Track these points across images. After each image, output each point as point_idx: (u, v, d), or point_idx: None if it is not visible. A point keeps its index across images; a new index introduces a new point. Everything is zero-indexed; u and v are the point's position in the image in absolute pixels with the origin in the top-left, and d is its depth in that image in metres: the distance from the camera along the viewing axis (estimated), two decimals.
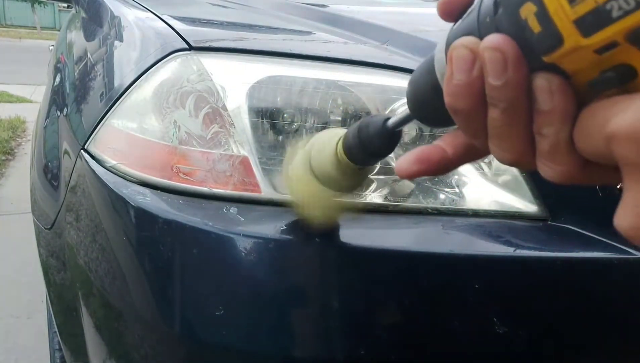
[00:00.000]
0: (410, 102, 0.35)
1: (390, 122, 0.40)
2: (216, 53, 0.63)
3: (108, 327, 0.63)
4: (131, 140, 0.63)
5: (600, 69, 0.22)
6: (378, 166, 0.51)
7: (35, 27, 18.36)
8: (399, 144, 0.62)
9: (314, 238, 0.53)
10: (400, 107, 0.61)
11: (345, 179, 0.46)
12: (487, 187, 0.62)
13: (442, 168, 0.34)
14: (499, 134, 0.27)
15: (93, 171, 0.63)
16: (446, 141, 0.34)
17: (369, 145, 0.41)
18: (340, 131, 0.46)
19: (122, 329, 0.60)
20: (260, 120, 0.60)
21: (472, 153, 0.33)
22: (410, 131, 0.62)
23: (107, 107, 0.66)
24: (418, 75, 0.34)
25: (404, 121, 0.38)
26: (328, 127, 0.62)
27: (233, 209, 0.56)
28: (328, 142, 0.46)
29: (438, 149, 0.34)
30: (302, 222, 0.54)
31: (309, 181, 0.48)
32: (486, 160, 0.63)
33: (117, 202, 0.59)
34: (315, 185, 0.48)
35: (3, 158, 2.94)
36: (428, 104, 0.33)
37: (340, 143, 0.45)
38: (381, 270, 0.52)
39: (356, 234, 0.55)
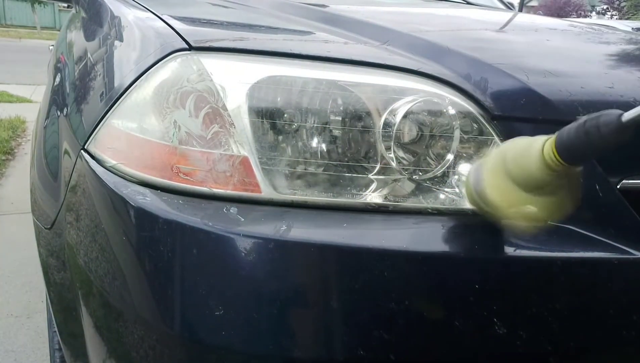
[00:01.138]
0: None
1: (626, 117, 0.40)
2: (216, 53, 0.63)
3: (108, 327, 0.63)
4: (131, 140, 0.63)
5: None
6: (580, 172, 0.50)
7: (35, 27, 18.36)
8: (399, 144, 0.62)
9: (313, 238, 0.53)
10: (402, 107, 0.60)
11: (550, 183, 0.47)
12: None
13: None
14: None
15: (93, 171, 0.63)
16: None
17: (600, 143, 0.42)
18: (537, 138, 0.46)
19: (122, 329, 0.60)
20: (260, 120, 0.60)
21: None
22: (410, 131, 0.62)
23: (107, 107, 0.66)
24: None
25: None
26: (328, 127, 0.62)
27: (233, 209, 0.56)
28: (529, 145, 0.47)
29: None
30: (303, 223, 0.54)
31: (508, 186, 0.48)
32: None
33: (117, 202, 0.59)
34: (516, 191, 0.48)
35: (3, 158, 2.94)
36: None
37: (548, 144, 0.45)
38: (381, 270, 0.52)
39: (356, 234, 0.55)
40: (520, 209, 0.49)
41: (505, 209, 0.50)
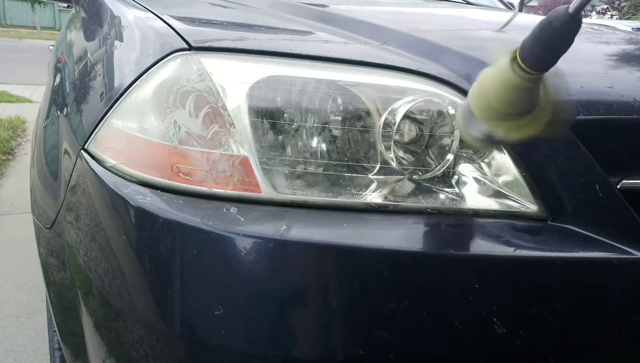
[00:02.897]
0: None
1: (572, 8, 0.43)
2: (216, 53, 0.63)
3: (108, 326, 0.63)
4: (131, 140, 0.63)
5: None
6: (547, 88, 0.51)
7: (35, 27, 18.35)
8: (399, 144, 0.62)
9: (313, 238, 0.53)
10: (402, 107, 0.60)
11: (519, 97, 0.48)
12: (487, 187, 0.62)
13: None
14: None
15: (93, 171, 0.63)
16: None
17: (555, 39, 0.44)
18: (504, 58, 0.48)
19: (121, 329, 0.60)
20: (260, 120, 0.60)
21: None
22: (410, 131, 0.62)
23: (107, 107, 0.66)
24: None
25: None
26: (328, 127, 0.62)
27: (233, 209, 0.56)
28: (501, 66, 0.48)
29: None
30: (303, 222, 0.54)
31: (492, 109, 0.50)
32: (486, 160, 0.63)
33: (117, 202, 0.59)
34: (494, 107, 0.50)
35: (3, 157, 2.94)
36: None
37: (514, 57, 0.47)
38: (381, 270, 0.52)
39: (356, 234, 0.55)
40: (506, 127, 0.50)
41: (490, 125, 0.51)
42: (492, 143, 0.54)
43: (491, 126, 0.51)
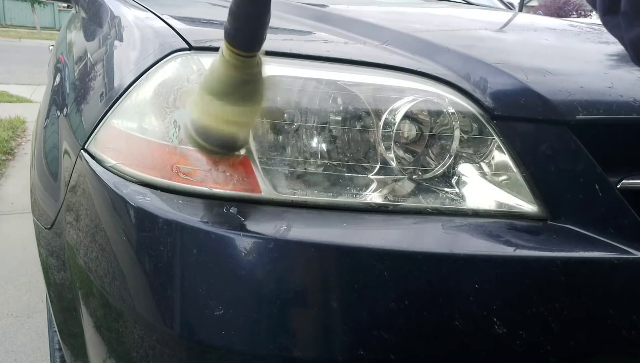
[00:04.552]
0: None
1: None
2: (216, 53, 0.63)
3: (108, 326, 0.63)
4: (131, 140, 0.63)
5: None
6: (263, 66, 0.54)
7: (35, 27, 18.34)
8: (398, 144, 0.62)
9: (313, 238, 0.53)
10: (402, 107, 0.60)
11: (241, 82, 0.50)
12: (487, 187, 0.62)
13: None
14: None
15: (93, 171, 0.63)
16: None
17: (245, 12, 0.46)
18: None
19: (122, 329, 0.60)
20: (260, 120, 0.60)
21: None
22: (410, 131, 0.62)
23: (107, 107, 0.66)
24: None
25: None
26: (328, 127, 0.62)
27: (233, 209, 0.56)
28: (215, 62, 0.51)
29: None
30: (301, 221, 0.54)
31: (213, 105, 0.52)
32: (486, 160, 0.63)
33: (117, 202, 0.59)
34: (220, 105, 0.52)
35: (3, 157, 2.94)
36: None
37: (223, 45, 0.49)
38: (381, 270, 0.52)
39: (356, 234, 0.55)
40: (229, 118, 0.52)
41: (217, 125, 0.53)
42: (233, 148, 0.56)
43: (230, 130, 0.53)
